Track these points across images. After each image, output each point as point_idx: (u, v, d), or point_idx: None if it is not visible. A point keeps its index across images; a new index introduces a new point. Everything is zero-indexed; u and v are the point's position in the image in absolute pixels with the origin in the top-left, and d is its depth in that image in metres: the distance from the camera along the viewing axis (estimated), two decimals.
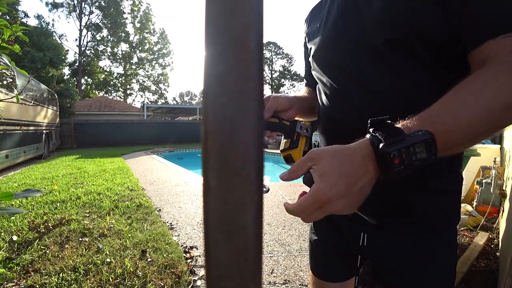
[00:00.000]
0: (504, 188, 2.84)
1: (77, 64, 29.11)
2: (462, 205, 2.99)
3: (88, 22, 29.91)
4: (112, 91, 34.77)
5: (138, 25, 33.43)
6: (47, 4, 28.34)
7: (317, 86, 0.72)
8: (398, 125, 0.41)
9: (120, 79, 34.81)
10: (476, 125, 0.39)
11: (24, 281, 1.79)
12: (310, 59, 0.71)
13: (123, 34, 31.99)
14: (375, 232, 0.63)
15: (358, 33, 0.56)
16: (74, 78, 26.90)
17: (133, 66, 35.06)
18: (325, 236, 0.77)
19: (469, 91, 0.40)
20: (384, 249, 0.62)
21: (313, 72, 0.71)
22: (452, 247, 0.61)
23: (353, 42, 0.57)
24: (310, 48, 0.70)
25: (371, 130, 0.41)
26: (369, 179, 0.39)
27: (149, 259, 2.07)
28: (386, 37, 0.51)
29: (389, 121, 0.41)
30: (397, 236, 0.60)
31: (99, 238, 2.45)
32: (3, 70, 5.97)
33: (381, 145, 0.37)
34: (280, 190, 4.37)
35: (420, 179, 0.55)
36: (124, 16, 31.52)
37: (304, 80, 0.88)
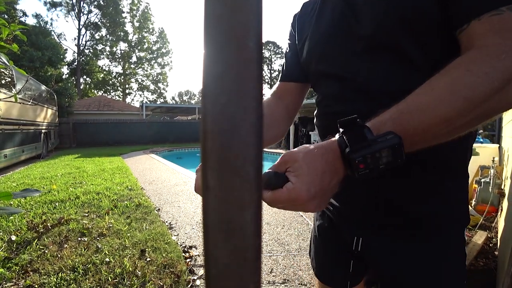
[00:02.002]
0: (502, 187, 2.85)
1: (75, 63, 29.00)
2: None
3: (86, 21, 29.80)
4: (111, 91, 34.69)
5: (137, 24, 33.35)
6: (45, 3, 28.24)
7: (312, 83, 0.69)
8: (369, 124, 0.40)
9: (119, 78, 34.73)
10: (454, 118, 0.36)
11: (23, 281, 1.79)
12: (305, 56, 0.67)
13: (122, 33, 31.89)
14: (374, 236, 0.60)
15: (355, 30, 0.54)
16: (73, 78, 26.78)
17: (132, 66, 34.98)
18: (325, 233, 0.73)
19: (449, 81, 0.37)
20: (381, 255, 0.59)
21: (308, 68, 0.68)
22: (460, 253, 0.57)
23: (349, 39, 0.55)
24: (303, 45, 0.67)
25: (340, 130, 0.40)
26: (339, 179, 0.40)
27: (148, 259, 2.07)
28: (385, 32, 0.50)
29: (358, 120, 0.39)
30: (397, 241, 0.57)
31: (98, 238, 2.45)
32: (2, 70, 5.95)
33: (347, 150, 0.37)
34: None
35: (428, 183, 0.53)
36: (123, 15, 31.43)
37: (282, 75, 0.77)
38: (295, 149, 0.40)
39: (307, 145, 0.40)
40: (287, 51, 0.77)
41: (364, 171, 0.37)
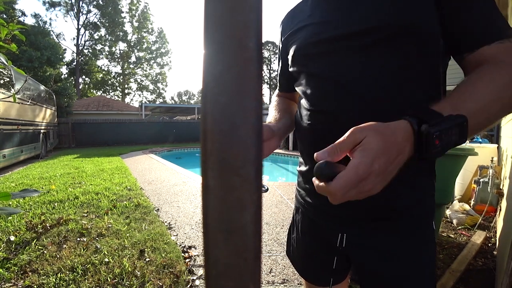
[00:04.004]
0: (501, 187, 2.86)
1: (74, 63, 28.97)
2: (460, 204, 3.00)
3: (85, 21, 29.73)
4: (110, 91, 34.64)
5: (136, 24, 33.31)
6: (44, 3, 28.18)
7: (299, 87, 0.68)
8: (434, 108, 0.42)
9: (118, 78, 34.69)
10: (493, 109, 0.43)
11: (22, 281, 1.79)
12: (291, 60, 0.68)
13: (121, 33, 31.85)
14: (355, 231, 0.61)
15: (346, 31, 0.55)
16: (72, 77, 26.68)
17: (131, 65, 34.94)
18: (307, 233, 0.74)
19: (481, 84, 0.44)
20: (366, 250, 0.61)
21: (294, 71, 0.68)
22: (432, 244, 0.61)
23: (340, 41, 0.56)
24: (291, 47, 0.67)
25: (410, 112, 0.41)
26: (403, 160, 0.39)
27: (147, 259, 2.07)
28: (374, 37, 0.52)
29: (424, 106, 0.42)
30: (380, 236, 0.59)
31: (97, 238, 2.44)
32: (0, 70, 5.93)
33: (424, 126, 0.38)
34: (278, 190, 4.38)
35: (405, 178, 0.54)
36: (122, 15, 31.39)
37: (278, 84, 0.85)
38: (365, 124, 0.39)
39: (376, 122, 0.40)
40: (279, 62, 0.81)
41: (436, 149, 0.38)
